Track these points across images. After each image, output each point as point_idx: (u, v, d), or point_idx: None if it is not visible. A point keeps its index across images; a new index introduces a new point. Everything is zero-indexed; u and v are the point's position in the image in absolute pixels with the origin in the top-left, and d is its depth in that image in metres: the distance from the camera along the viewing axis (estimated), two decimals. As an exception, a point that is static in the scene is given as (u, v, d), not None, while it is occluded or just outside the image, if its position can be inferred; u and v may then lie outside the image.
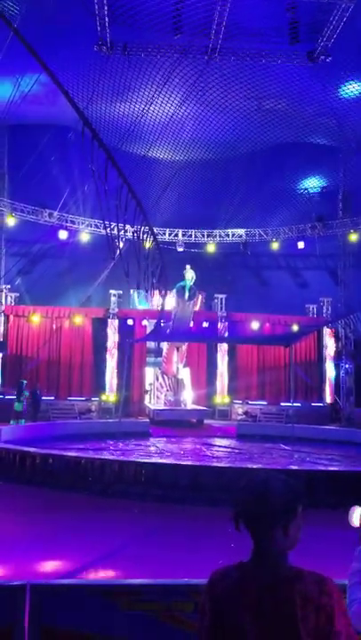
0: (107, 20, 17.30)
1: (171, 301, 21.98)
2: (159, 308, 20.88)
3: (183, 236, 28.10)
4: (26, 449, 12.43)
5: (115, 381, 25.04)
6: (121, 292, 25.58)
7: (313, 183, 27.00)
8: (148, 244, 15.12)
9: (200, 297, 25.48)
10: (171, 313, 22.02)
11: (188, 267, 21.83)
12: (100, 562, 7.13)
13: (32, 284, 26.03)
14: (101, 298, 26.48)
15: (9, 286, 25.40)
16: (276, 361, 26.30)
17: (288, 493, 1.94)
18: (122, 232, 12.34)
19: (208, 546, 7.56)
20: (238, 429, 19.99)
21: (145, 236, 14.58)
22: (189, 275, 21.57)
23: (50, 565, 7.00)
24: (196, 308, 24.53)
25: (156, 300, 23.71)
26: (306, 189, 26.72)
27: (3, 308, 25.19)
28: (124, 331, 25.24)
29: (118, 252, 13.83)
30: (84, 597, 2.87)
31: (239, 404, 25.93)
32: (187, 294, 21.33)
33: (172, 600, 2.86)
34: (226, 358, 26.52)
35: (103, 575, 6.70)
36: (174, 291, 21.50)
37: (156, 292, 19.36)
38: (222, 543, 7.43)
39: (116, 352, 25.29)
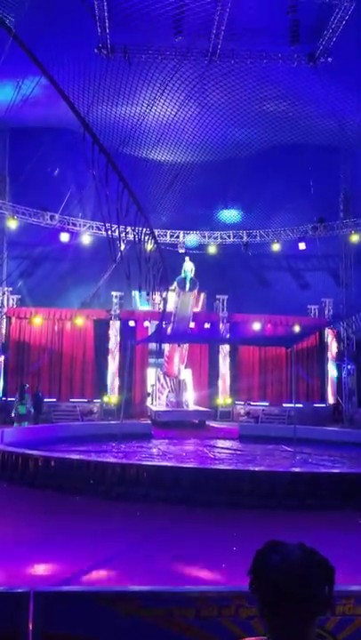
0: (107, 22, 17.33)
1: (172, 295, 21.93)
2: (160, 308, 20.79)
3: (184, 237, 28.12)
4: (28, 451, 12.44)
5: (117, 383, 25.07)
6: (122, 293, 25.61)
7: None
8: (149, 246, 15.11)
9: (202, 295, 25.44)
10: (172, 314, 21.97)
11: (187, 258, 21.79)
12: (102, 565, 7.14)
13: (34, 286, 26.08)
14: (103, 299, 26.51)
15: (11, 289, 25.44)
16: (277, 362, 26.28)
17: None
18: (123, 234, 12.33)
19: (210, 548, 7.58)
20: (241, 430, 19.99)
21: (146, 238, 14.57)
22: (188, 266, 21.53)
23: (52, 569, 7.01)
24: (197, 309, 24.44)
25: (157, 301, 23.65)
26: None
27: (5, 310, 25.24)
28: (126, 332, 25.23)
29: (120, 254, 13.83)
30: (86, 604, 2.89)
31: (241, 405, 25.96)
32: (187, 285, 21.27)
33: (173, 606, 2.87)
34: (228, 359, 26.53)
35: (106, 579, 6.71)
36: (175, 283, 21.47)
37: (157, 293, 19.33)
38: (225, 546, 7.47)
39: (117, 354, 25.33)
